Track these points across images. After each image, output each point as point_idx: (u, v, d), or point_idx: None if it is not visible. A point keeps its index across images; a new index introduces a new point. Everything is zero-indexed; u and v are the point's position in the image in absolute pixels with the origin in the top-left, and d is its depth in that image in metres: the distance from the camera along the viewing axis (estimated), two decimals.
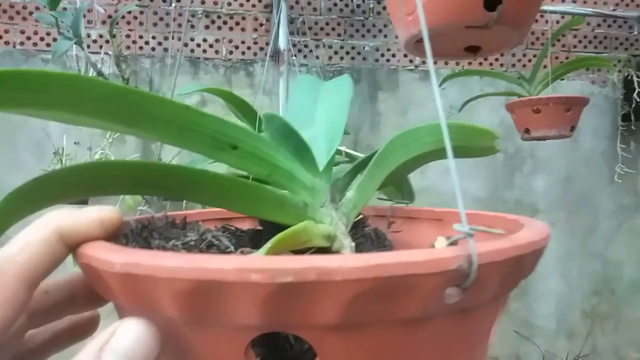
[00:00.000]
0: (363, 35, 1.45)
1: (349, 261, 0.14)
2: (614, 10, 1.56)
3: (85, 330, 0.24)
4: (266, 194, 0.23)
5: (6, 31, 1.32)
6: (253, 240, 0.25)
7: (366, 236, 0.28)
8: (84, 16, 1.33)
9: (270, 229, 0.26)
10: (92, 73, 0.98)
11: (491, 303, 0.19)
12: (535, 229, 0.20)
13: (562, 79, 1.48)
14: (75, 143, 1.24)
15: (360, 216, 0.30)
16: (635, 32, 1.58)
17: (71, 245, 0.18)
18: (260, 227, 0.29)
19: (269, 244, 0.19)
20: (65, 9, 1.02)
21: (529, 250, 0.17)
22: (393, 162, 0.27)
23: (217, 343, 0.16)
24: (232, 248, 0.21)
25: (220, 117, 0.22)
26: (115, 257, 0.15)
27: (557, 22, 1.51)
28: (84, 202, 1.26)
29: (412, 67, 1.46)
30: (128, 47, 1.34)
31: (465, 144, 0.28)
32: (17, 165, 1.30)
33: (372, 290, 0.14)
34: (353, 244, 0.23)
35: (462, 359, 0.19)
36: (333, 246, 0.23)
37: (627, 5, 1.58)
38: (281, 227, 0.21)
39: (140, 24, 1.36)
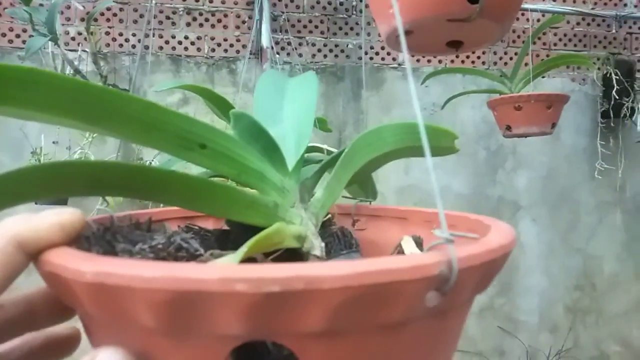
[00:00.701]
0: (346, 33, 1.44)
1: (336, 269, 0.14)
2: (592, 9, 1.58)
3: (63, 347, 0.22)
4: (236, 194, 0.22)
5: None
6: (219, 241, 0.25)
7: (334, 235, 0.27)
8: (62, 13, 1.30)
9: (239, 229, 0.26)
10: (68, 71, 0.96)
11: (465, 304, 0.19)
12: (503, 232, 0.20)
13: (543, 77, 1.50)
14: (53, 142, 1.22)
15: (328, 215, 0.30)
16: (614, 31, 1.61)
17: (31, 253, 0.17)
18: (226, 228, 0.28)
19: (244, 248, 0.19)
20: (42, 4, 1.00)
21: (501, 254, 0.18)
22: (358, 161, 0.27)
23: (196, 354, 0.15)
24: (201, 251, 0.20)
25: (188, 115, 0.22)
26: (85, 266, 0.15)
27: (538, 20, 1.52)
28: (64, 202, 1.23)
29: (396, 65, 1.46)
30: (108, 45, 1.32)
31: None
32: None
33: (357, 297, 0.14)
34: (323, 244, 0.23)
35: (437, 357, 0.19)
36: (303, 246, 0.23)
37: (605, 4, 1.61)
38: (249, 228, 0.20)
39: (120, 21, 1.34)
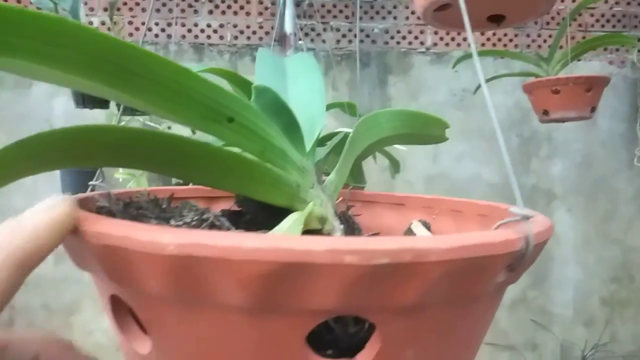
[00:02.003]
0: (372, 17, 1.40)
1: (441, 242, 0.14)
2: None
3: None
4: (264, 171, 0.21)
5: None
6: (232, 223, 0.24)
7: (341, 219, 0.27)
8: (86, 3, 1.30)
9: (254, 210, 0.25)
10: None
11: (511, 283, 0.20)
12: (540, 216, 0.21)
13: (579, 60, 1.43)
14: None
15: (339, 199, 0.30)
16: None
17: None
18: (237, 209, 0.27)
19: (285, 225, 0.19)
20: None
21: (550, 235, 0.19)
22: (360, 146, 0.27)
23: (277, 331, 0.15)
24: (234, 230, 0.19)
25: (218, 85, 0.20)
26: (166, 237, 0.13)
27: (573, 0, 1.45)
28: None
29: (424, 50, 1.42)
30: (131, 34, 1.31)
31: (418, 131, 0.29)
32: None
33: (455, 270, 0.14)
34: (342, 226, 0.23)
35: (482, 335, 0.19)
36: (324, 228, 0.23)
37: None
38: (265, 209, 0.19)
39: (143, 10, 1.33)
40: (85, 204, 0.20)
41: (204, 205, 0.29)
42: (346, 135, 0.26)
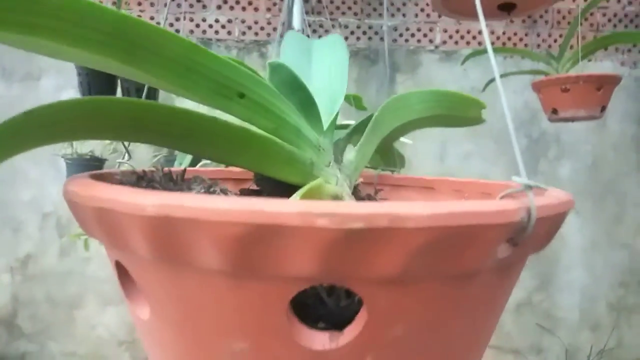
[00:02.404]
0: (380, 14, 1.39)
1: (422, 208, 0.13)
2: None
3: None
4: (276, 148, 0.21)
5: None
6: None
7: (363, 201, 0.27)
8: None
9: (270, 188, 0.25)
10: None
11: (521, 263, 0.19)
12: (556, 190, 0.20)
13: (589, 60, 1.41)
14: None
15: (358, 180, 0.29)
16: None
17: None
18: (255, 188, 0.26)
19: (297, 197, 0.18)
20: None
21: (567, 209, 0.18)
22: (387, 127, 0.26)
23: (256, 297, 0.14)
24: None
25: (229, 60, 0.20)
26: (146, 199, 0.13)
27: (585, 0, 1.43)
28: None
29: (432, 48, 1.41)
30: None
31: (453, 112, 0.28)
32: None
33: (438, 240, 0.13)
34: None
35: (489, 321, 0.18)
36: None
37: None
38: (282, 188, 0.18)
39: (151, 4, 1.33)
40: (103, 178, 0.21)
41: (233, 188, 0.29)
42: (371, 115, 0.25)
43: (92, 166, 1.21)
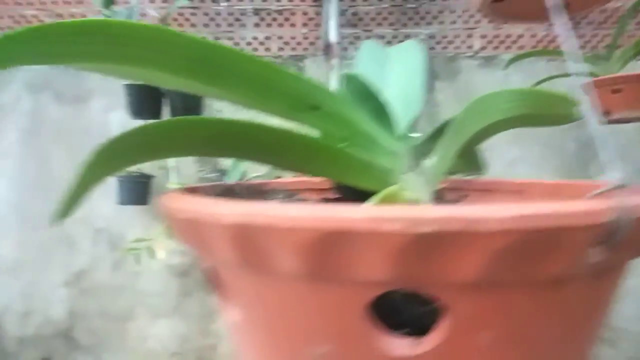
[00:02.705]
0: (417, 23, 1.38)
1: (498, 211, 0.12)
2: None
3: None
4: (352, 157, 0.21)
5: None
6: None
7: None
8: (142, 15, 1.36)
9: (350, 196, 0.25)
10: None
11: (622, 267, 0.18)
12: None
13: (639, 60, 1.35)
14: None
15: (441, 186, 0.29)
16: None
17: None
18: (335, 196, 0.27)
19: (373, 203, 0.18)
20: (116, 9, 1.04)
21: None
22: (470, 129, 0.26)
23: (334, 301, 0.15)
24: None
25: (300, 75, 0.21)
26: (226, 209, 0.14)
27: None
28: (143, 202, 1.28)
29: (471, 54, 1.39)
30: None
31: (540, 111, 0.27)
32: None
33: (519, 243, 0.13)
34: None
35: (586, 332, 0.17)
36: None
37: None
38: (361, 195, 0.19)
39: (192, 25, 1.37)
40: (194, 191, 0.22)
41: (315, 196, 0.30)
42: (451, 119, 0.25)
43: (140, 183, 1.25)
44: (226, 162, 1.32)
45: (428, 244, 0.12)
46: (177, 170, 1.28)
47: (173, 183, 1.25)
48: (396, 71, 0.29)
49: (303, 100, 0.21)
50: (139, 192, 1.25)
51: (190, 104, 0.97)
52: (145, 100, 0.99)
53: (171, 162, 1.27)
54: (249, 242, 0.14)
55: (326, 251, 0.13)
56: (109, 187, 1.31)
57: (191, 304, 1.36)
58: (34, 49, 0.18)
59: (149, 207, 1.30)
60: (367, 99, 0.24)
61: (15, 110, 1.37)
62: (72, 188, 0.17)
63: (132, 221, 1.34)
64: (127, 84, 0.99)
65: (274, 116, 0.22)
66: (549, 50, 1.26)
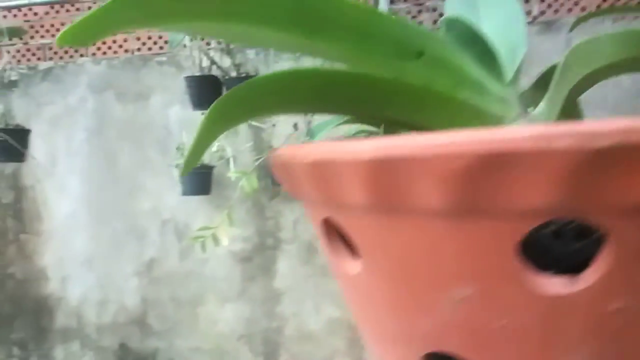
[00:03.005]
0: None
1: None
2: None
3: None
4: (465, 104, 0.20)
5: (125, 40, 1.43)
6: None
7: None
8: None
9: None
10: (206, 63, 1.01)
11: None
12: None
13: None
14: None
15: None
16: None
17: None
18: None
19: None
20: None
21: None
22: (574, 76, 0.24)
23: (484, 237, 0.13)
24: None
25: (403, 20, 0.20)
26: (365, 144, 0.13)
27: None
28: (207, 192, 1.31)
29: (530, 20, 1.32)
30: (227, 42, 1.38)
31: None
32: (146, 163, 1.40)
33: None
34: None
35: None
36: None
37: None
38: None
39: None
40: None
41: None
42: (555, 65, 0.25)
43: (202, 174, 1.29)
44: None
45: (604, 161, 0.11)
46: (235, 160, 1.30)
47: (233, 172, 1.28)
48: (494, 15, 0.28)
49: (408, 46, 0.20)
50: (201, 182, 1.29)
51: None
52: (205, 90, 1.01)
53: (230, 152, 1.30)
54: (387, 177, 0.13)
55: (480, 179, 0.12)
56: (172, 179, 1.36)
57: (255, 288, 1.39)
58: (143, 9, 0.18)
59: (211, 196, 1.34)
60: (472, 43, 0.23)
61: (82, 111, 1.45)
62: (195, 142, 0.17)
63: (196, 211, 1.39)
64: (187, 77, 1.02)
65: (373, 67, 0.21)
66: (619, 7, 1.18)
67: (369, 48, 0.19)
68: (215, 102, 0.19)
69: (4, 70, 1.38)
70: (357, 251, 0.17)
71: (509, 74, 0.24)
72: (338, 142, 0.15)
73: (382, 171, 0.13)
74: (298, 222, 1.38)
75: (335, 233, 0.18)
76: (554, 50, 1.30)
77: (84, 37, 0.15)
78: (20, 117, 1.33)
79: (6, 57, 1.36)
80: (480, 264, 0.14)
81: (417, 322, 0.16)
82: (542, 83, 0.27)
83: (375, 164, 0.13)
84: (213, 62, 1.01)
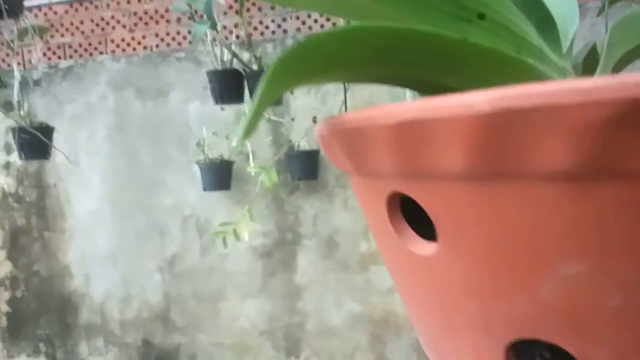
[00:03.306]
0: None
1: None
2: None
3: None
4: (531, 69, 0.19)
5: (144, 37, 1.43)
6: None
7: None
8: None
9: None
10: (227, 57, 1.01)
11: None
12: None
13: None
14: (213, 134, 1.31)
15: None
16: None
17: None
18: None
19: None
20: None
21: None
22: (618, 50, 0.22)
23: (617, 201, 0.11)
24: None
25: None
26: (477, 96, 0.12)
27: None
28: (227, 187, 1.31)
29: None
30: (250, 35, 1.37)
31: None
32: (166, 159, 1.41)
33: None
34: None
35: None
36: None
37: None
38: None
39: (259, 9, 1.38)
40: None
41: None
42: (603, 40, 0.23)
43: (222, 169, 1.29)
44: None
45: None
46: (254, 155, 1.30)
47: (253, 167, 1.28)
48: None
49: (468, 6, 0.18)
50: (221, 177, 1.29)
51: None
52: (228, 84, 1.01)
53: (249, 147, 1.30)
54: (502, 135, 0.12)
55: (626, 131, 0.10)
56: (193, 176, 1.36)
57: (276, 283, 1.39)
58: (307, 66, 0.17)
59: (230, 192, 1.34)
60: (532, 8, 0.22)
61: (102, 109, 1.46)
62: (257, 101, 0.15)
63: (217, 207, 1.39)
64: (209, 71, 1.01)
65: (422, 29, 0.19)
66: None
67: (427, 8, 0.18)
68: (276, 59, 0.17)
69: (25, 70, 1.39)
70: (434, 227, 0.15)
71: (565, 45, 0.23)
72: (434, 98, 0.13)
73: (496, 127, 0.12)
74: (318, 217, 1.37)
75: (400, 211, 0.17)
76: (578, 32, 1.27)
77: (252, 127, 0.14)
78: (42, 116, 1.34)
79: (37, 54, 1.37)
80: (602, 236, 0.12)
81: (506, 306, 0.14)
82: (592, 56, 0.26)
83: (489, 118, 0.12)
84: (235, 56, 1.00)
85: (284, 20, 1.37)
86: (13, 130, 1.10)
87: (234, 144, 1.29)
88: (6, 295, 1.64)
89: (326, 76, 0.18)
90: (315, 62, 0.17)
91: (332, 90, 1.28)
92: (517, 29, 0.19)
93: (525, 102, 0.11)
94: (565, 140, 0.11)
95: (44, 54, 1.51)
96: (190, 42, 1.33)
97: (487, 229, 0.13)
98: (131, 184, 1.45)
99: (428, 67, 0.18)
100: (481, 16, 0.18)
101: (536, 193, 0.12)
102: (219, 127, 1.30)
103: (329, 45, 0.17)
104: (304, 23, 1.37)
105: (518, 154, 0.12)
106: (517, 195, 0.13)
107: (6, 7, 0.74)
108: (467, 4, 0.18)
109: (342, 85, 1.06)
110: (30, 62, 1.46)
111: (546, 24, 0.22)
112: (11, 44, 1.09)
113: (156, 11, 1.41)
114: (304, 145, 1.31)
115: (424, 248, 0.16)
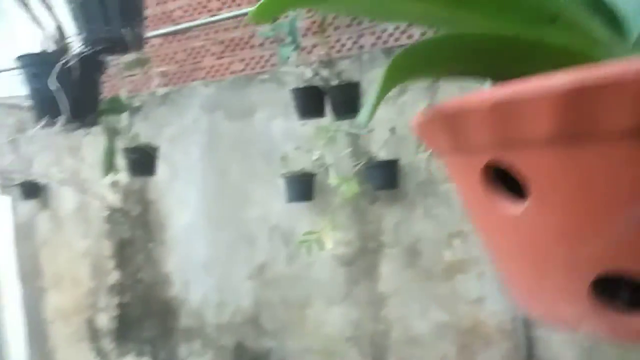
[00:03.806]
0: None
1: None
2: None
3: None
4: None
5: (231, 62, 1.55)
6: None
7: None
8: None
9: None
10: (308, 74, 1.08)
11: None
12: None
13: None
14: (295, 148, 1.39)
15: None
16: None
17: None
18: None
19: None
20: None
21: None
22: None
23: None
24: None
25: None
26: (556, 79, 0.15)
27: None
28: (309, 198, 1.37)
29: None
30: (329, 53, 1.44)
31: None
32: (253, 174, 1.51)
33: None
34: None
35: None
36: None
37: None
38: None
39: (335, 29, 1.45)
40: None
41: None
42: None
43: (305, 181, 1.36)
44: (381, 154, 1.36)
45: None
46: (335, 167, 1.36)
47: (334, 178, 1.34)
48: None
49: (542, 10, 0.20)
50: (304, 189, 1.36)
51: (348, 97, 1.03)
52: (310, 100, 1.07)
53: (329, 159, 1.36)
54: (580, 106, 0.15)
55: None
56: (278, 189, 1.44)
57: (359, 291, 1.42)
58: (416, 63, 0.21)
59: (313, 203, 1.40)
60: (597, 6, 0.23)
61: (196, 130, 1.60)
62: (378, 92, 0.19)
63: (300, 217, 1.46)
64: (293, 89, 1.09)
65: (510, 32, 0.22)
66: None
67: (506, 15, 0.20)
68: (394, 56, 0.21)
69: (131, 97, 1.56)
70: (525, 189, 0.18)
71: (633, 36, 0.24)
72: (523, 82, 0.16)
73: (574, 99, 0.14)
74: (399, 226, 1.39)
75: (490, 180, 0.20)
76: None
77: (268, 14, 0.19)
78: (144, 138, 1.50)
79: (156, 81, 1.54)
80: None
81: (591, 246, 0.16)
82: None
83: (569, 93, 0.14)
84: (317, 74, 1.07)
85: (360, 36, 1.42)
86: (124, 150, 1.25)
87: (314, 157, 1.35)
88: (115, 300, 1.82)
89: (429, 71, 0.21)
90: (421, 60, 0.21)
91: (410, 102, 1.31)
92: (587, 28, 0.22)
93: (599, 79, 0.15)
94: (629, 105, 0.14)
95: (144, 83, 1.69)
96: (272, 65, 1.42)
97: (572, 183, 0.16)
98: (223, 198, 1.57)
99: (510, 63, 0.21)
100: (554, 19, 0.21)
101: (610, 149, 0.15)
102: (300, 142, 1.38)
103: (432, 47, 0.21)
104: (379, 38, 1.41)
105: (594, 119, 0.15)
106: (595, 153, 0.16)
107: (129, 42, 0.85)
108: (540, 9, 0.21)
109: (419, 97, 1.09)
110: (133, 90, 1.64)
111: (612, 20, 0.23)
112: (122, 75, 1.24)
113: (241, 38, 1.52)
114: (383, 155, 1.34)
115: (514, 208, 0.19)
